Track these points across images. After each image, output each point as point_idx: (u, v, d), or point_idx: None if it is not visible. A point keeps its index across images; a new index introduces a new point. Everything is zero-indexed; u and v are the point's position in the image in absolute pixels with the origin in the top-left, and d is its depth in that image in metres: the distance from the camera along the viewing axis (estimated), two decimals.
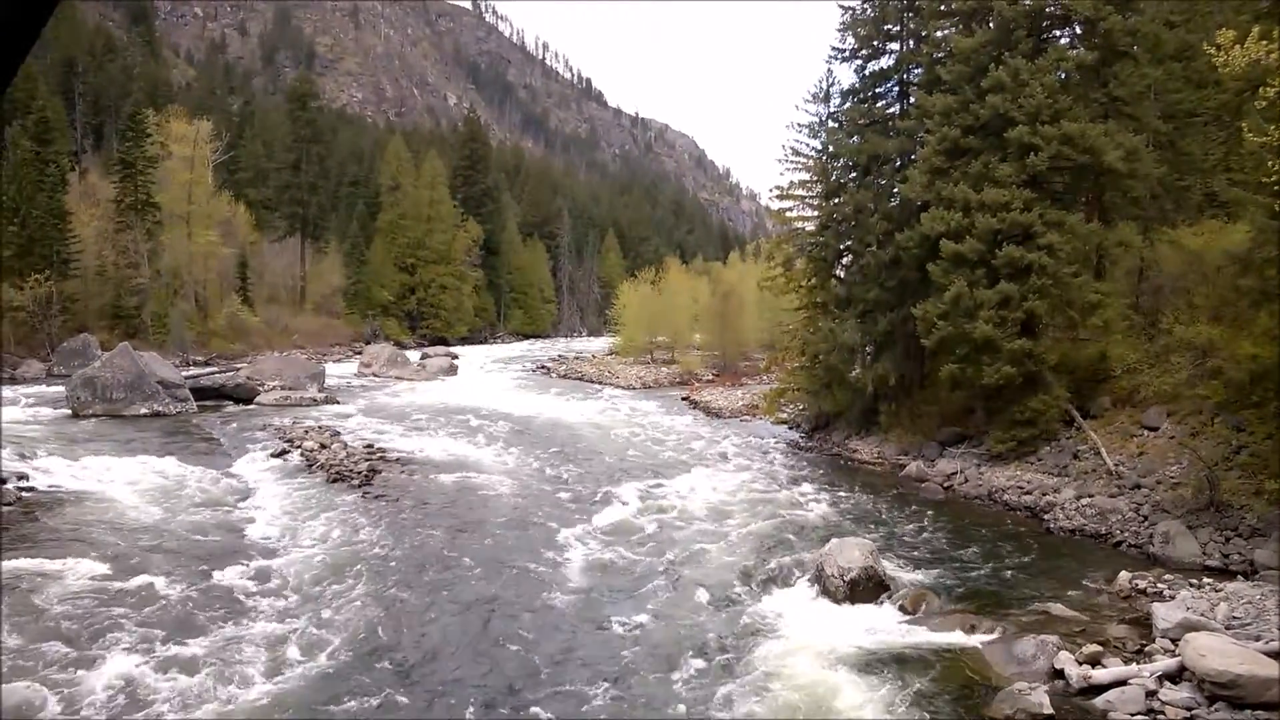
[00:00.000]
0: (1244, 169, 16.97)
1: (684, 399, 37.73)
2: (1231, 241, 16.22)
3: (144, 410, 25.75)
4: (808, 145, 27.85)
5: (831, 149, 26.96)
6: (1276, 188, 12.02)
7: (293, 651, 9.78)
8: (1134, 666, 9.35)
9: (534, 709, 8.79)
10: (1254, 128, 13.94)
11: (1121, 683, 9.00)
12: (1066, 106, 19.60)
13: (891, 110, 26.47)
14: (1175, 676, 9.01)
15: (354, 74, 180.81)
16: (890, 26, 25.84)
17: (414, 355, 50.44)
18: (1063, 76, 20.63)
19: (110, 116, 64.73)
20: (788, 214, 29.15)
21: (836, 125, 27.20)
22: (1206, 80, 21.41)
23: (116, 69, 70.11)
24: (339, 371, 42.83)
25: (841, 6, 26.52)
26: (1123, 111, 20.76)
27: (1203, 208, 22.25)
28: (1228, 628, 10.21)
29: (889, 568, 12.97)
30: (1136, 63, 20.50)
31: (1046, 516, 16.83)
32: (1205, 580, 12.39)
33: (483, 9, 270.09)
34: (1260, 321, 13.99)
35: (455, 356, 51.50)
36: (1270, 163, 11.99)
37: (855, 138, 26.09)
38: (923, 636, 10.78)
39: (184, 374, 30.51)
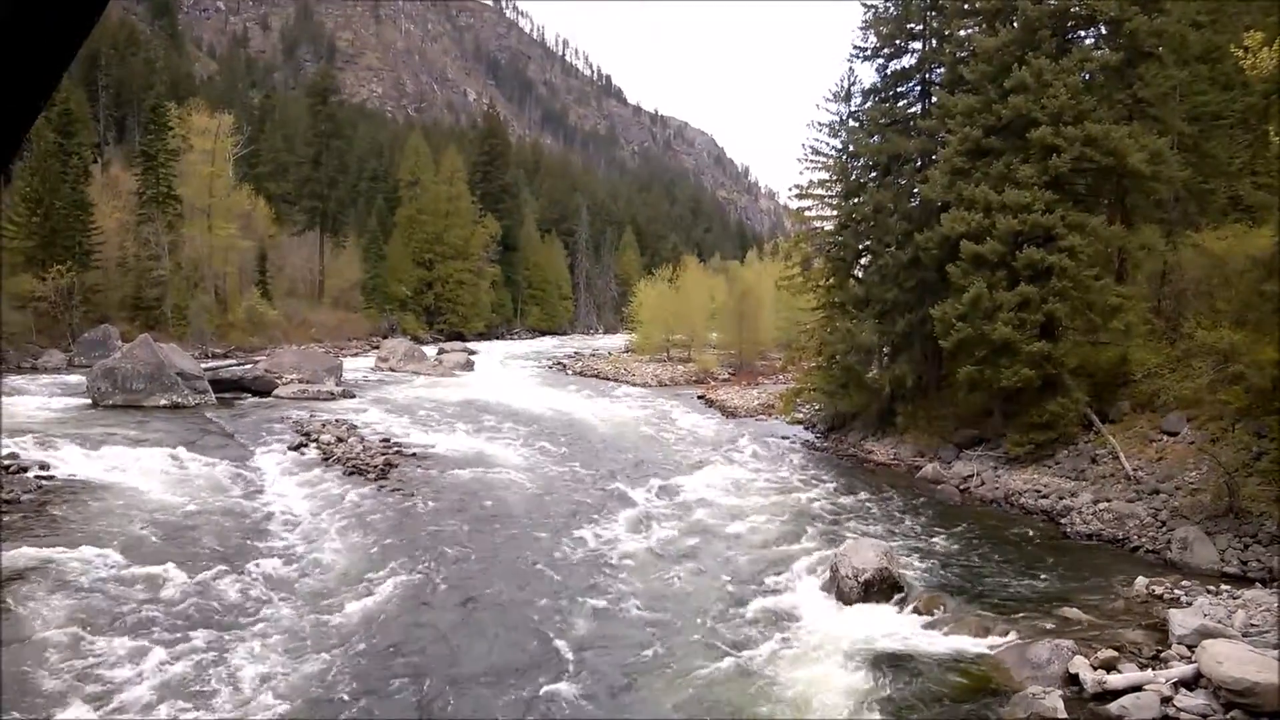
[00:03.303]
0: (1270, 172, 16.80)
1: (700, 398, 37.69)
2: (1256, 246, 16.03)
3: (163, 401, 25.95)
4: (828, 144, 27.80)
5: (852, 148, 26.86)
6: None
7: (308, 643, 9.85)
8: (1149, 672, 9.28)
9: (549, 703, 8.82)
10: None
11: (1136, 688, 8.93)
12: (1090, 108, 19.43)
13: (913, 110, 26.34)
14: (1191, 683, 8.93)
15: (374, 69, 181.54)
16: (913, 25, 25.71)
17: (431, 350, 50.68)
18: (1087, 77, 20.46)
19: (133, 109, 65.30)
20: (806, 213, 29.08)
21: (857, 124, 27.09)
22: (1233, 82, 21.19)
23: (139, 62, 70.68)
24: (356, 366, 43.07)
25: (864, 4, 26.41)
26: (1147, 113, 20.55)
27: (1227, 211, 22.00)
28: (1245, 635, 10.11)
29: (903, 569, 12.91)
30: (1162, 64, 20.29)
31: (1063, 520, 16.72)
32: (1223, 587, 12.27)
33: (503, 5, 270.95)
34: None
35: (472, 352, 51.71)
36: None
37: (876, 137, 25.97)
38: (936, 639, 10.74)
39: (203, 366, 30.75)
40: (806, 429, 28.89)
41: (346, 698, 8.69)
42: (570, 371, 48.91)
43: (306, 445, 20.99)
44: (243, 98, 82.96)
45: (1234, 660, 8.70)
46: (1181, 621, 10.32)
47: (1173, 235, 20.75)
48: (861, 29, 26.36)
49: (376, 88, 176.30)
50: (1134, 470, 17.12)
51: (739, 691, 9.26)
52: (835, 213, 27.77)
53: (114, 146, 62.44)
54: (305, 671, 9.14)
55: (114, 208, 46.17)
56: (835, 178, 27.50)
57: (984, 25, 22.68)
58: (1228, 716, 8.33)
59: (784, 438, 27.49)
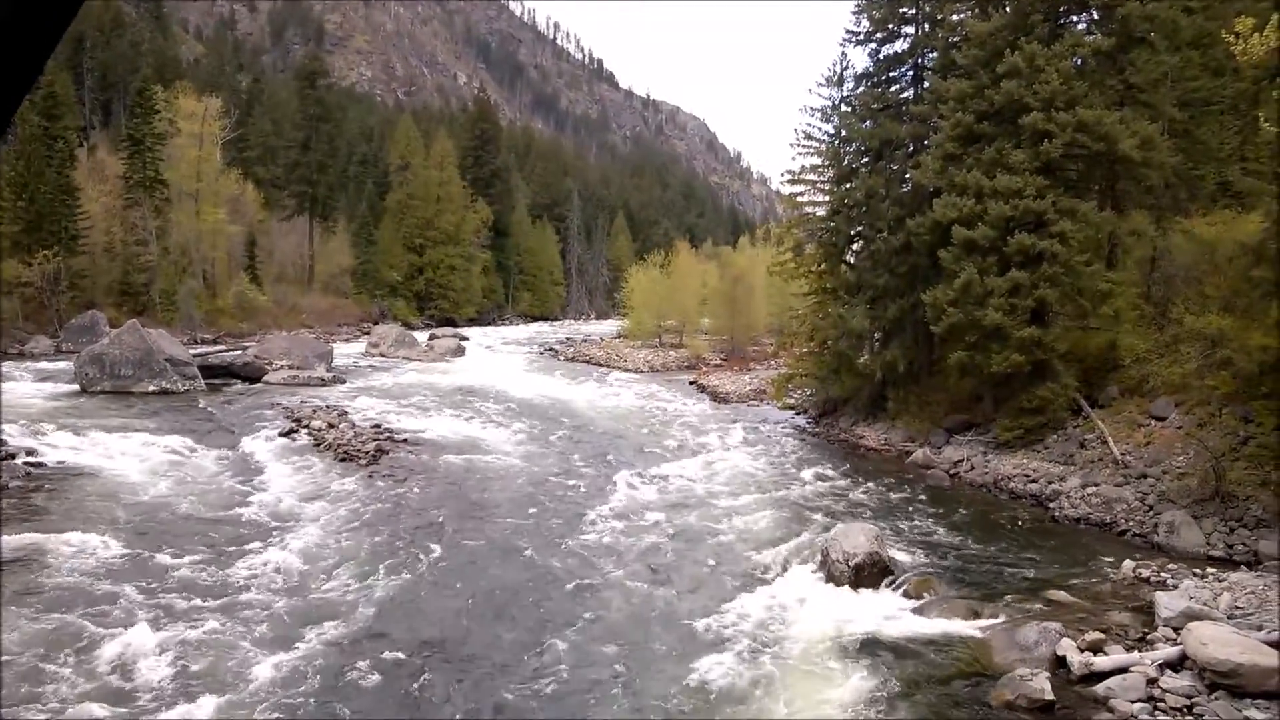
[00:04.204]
0: (1259, 159, 16.83)
1: (692, 383, 37.73)
2: (1245, 232, 16.10)
3: (152, 388, 25.85)
4: (820, 129, 27.73)
5: (844, 133, 26.80)
6: None
7: (297, 630, 9.86)
8: (1136, 654, 9.37)
9: (538, 688, 8.86)
10: (1271, 117, 13.83)
11: (1123, 670, 9.03)
12: (1082, 93, 19.43)
13: (905, 95, 26.29)
14: (1176, 665, 9.03)
15: (363, 52, 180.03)
16: (906, 9, 25.61)
17: (422, 336, 50.51)
18: (1079, 63, 20.46)
19: (119, 92, 64.59)
20: (799, 199, 29.02)
21: (849, 109, 27.02)
22: (1224, 68, 21.18)
23: (125, 44, 69.86)
24: (347, 351, 42.92)
25: None
26: (1138, 99, 20.57)
27: (1217, 197, 22.05)
28: (1230, 617, 10.22)
29: (894, 553, 13.00)
30: (1153, 49, 20.30)
31: (1052, 505, 16.84)
32: (1209, 570, 12.40)
33: None
34: (1272, 313, 13.90)
35: (463, 338, 51.55)
36: None
37: (868, 122, 25.92)
38: (926, 622, 10.83)
39: (192, 352, 30.58)
40: (798, 414, 28.97)
41: (335, 684, 8.70)
42: (562, 357, 48.86)
43: (297, 431, 20.93)
44: (230, 81, 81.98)
45: (1219, 642, 8.80)
46: (1167, 604, 10.42)
47: (1163, 221, 20.80)
48: (854, 13, 26.26)
49: (366, 71, 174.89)
50: (1122, 455, 17.24)
51: (730, 675, 9.31)
52: (827, 198, 27.73)
53: (100, 130, 61.70)
54: (294, 658, 9.15)
55: (100, 192, 45.68)
56: (827, 163, 27.45)
57: (976, 10, 22.62)
58: (1211, 697, 8.43)
59: (775, 423, 27.57)
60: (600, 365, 44.93)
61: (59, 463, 16.30)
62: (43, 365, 30.57)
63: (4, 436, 16.99)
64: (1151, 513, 15.15)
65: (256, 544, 12.71)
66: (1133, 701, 8.49)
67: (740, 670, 9.41)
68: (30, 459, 16.11)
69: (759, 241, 76.64)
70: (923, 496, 17.83)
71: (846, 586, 11.91)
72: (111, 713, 7.89)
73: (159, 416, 21.90)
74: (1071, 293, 19.44)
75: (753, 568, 12.96)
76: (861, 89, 26.95)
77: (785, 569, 12.84)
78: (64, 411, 21.53)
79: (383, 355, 42.56)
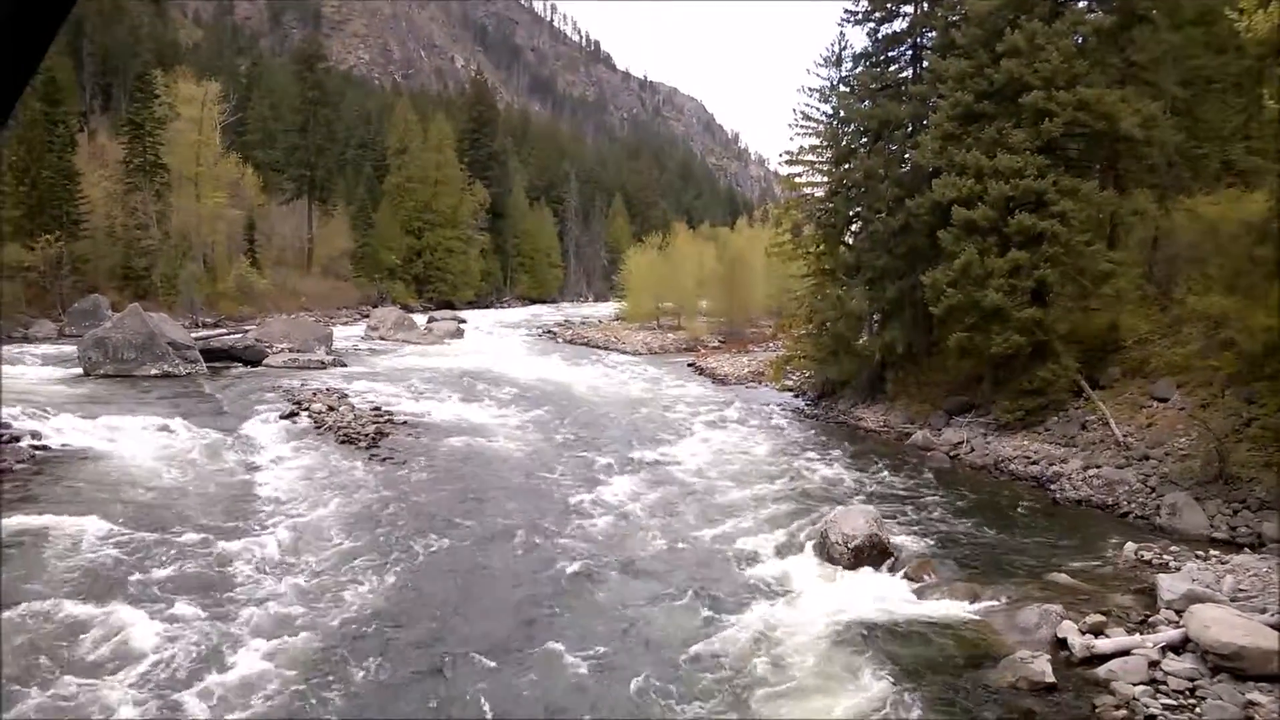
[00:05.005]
0: (1263, 137, 16.73)
1: (690, 365, 37.71)
2: (1248, 211, 16.00)
3: (154, 371, 25.87)
4: (818, 110, 27.58)
5: (842, 114, 26.64)
6: None
7: (298, 612, 9.85)
8: (1137, 637, 9.36)
9: (534, 673, 8.86)
10: (1274, 95, 13.72)
11: (1124, 653, 9.01)
12: (1083, 71, 19.26)
13: (904, 75, 26.09)
14: (1179, 647, 9.02)
15: (361, 35, 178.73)
16: None
17: (421, 319, 50.50)
18: (1080, 41, 20.26)
19: (118, 77, 64.28)
20: (797, 179, 28.89)
21: (848, 90, 26.84)
22: (1227, 46, 20.98)
23: (124, 29, 69.44)
24: (347, 334, 42.89)
25: None
26: (1140, 77, 20.39)
27: (1220, 176, 21.92)
28: (1233, 600, 10.20)
29: (894, 536, 12.99)
30: (1156, 27, 20.11)
31: (1053, 487, 16.82)
32: (1212, 552, 12.37)
33: None
34: (1276, 293, 13.84)
35: (462, 320, 51.56)
36: None
37: (867, 102, 25.74)
38: (926, 604, 10.82)
39: (193, 335, 30.58)
40: (796, 396, 28.94)
41: (335, 666, 8.71)
42: (560, 339, 48.83)
43: (298, 414, 20.92)
44: (229, 65, 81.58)
45: (1222, 624, 8.78)
46: (1170, 586, 10.40)
47: (1165, 200, 20.66)
48: None
49: (363, 54, 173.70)
50: (1124, 436, 17.21)
51: (728, 659, 9.32)
52: (826, 179, 27.61)
53: (100, 115, 61.44)
54: (294, 641, 9.15)
55: (101, 176, 45.65)
56: (826, 144, 27.30)
57: None
58: (1214, 680, 8.42)
59: (774, 405, 27.54)
60: (598, 348, 44.91)
61: (63, 445, 16.31)
62: (46, 349, 30.56)
63: (8, 419, 16.97)
64: (1154, 495, 15.13)
65: (256, 528, 12.70)
66: (1134, 684, 8.48)
67: (739, 653, 9.41)
68: (36, 441, 16.12)
69: (757, 223, 76.49)
70: (922, 478, 17.81)
71: (846, 568, 11.91)
72: (107, 699, 7.89)
73: (162, 400, 21.90)
74: (1072, 273, 19.32)
75: (752, 550, 12.94)
76: (860, 69, 26.73)
77: (784, 551, 12.84)
78: (68, 395, 21.52)
79: (382, 338, 42.56)
